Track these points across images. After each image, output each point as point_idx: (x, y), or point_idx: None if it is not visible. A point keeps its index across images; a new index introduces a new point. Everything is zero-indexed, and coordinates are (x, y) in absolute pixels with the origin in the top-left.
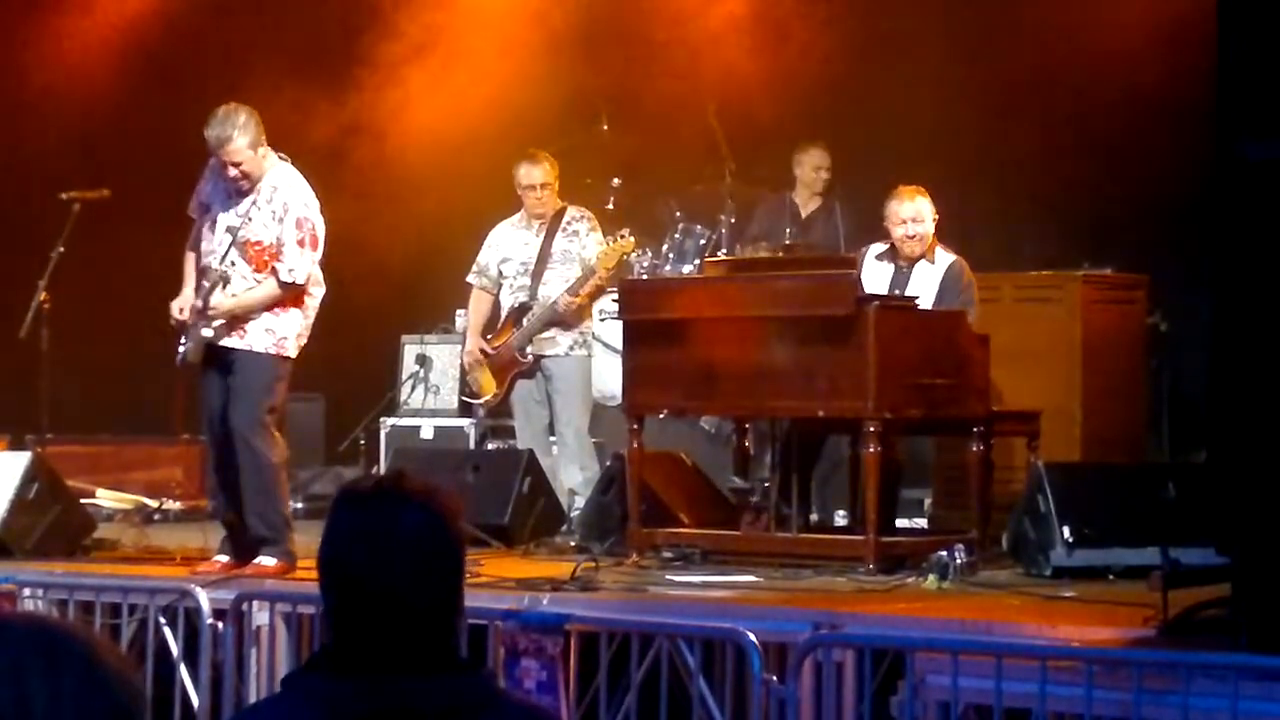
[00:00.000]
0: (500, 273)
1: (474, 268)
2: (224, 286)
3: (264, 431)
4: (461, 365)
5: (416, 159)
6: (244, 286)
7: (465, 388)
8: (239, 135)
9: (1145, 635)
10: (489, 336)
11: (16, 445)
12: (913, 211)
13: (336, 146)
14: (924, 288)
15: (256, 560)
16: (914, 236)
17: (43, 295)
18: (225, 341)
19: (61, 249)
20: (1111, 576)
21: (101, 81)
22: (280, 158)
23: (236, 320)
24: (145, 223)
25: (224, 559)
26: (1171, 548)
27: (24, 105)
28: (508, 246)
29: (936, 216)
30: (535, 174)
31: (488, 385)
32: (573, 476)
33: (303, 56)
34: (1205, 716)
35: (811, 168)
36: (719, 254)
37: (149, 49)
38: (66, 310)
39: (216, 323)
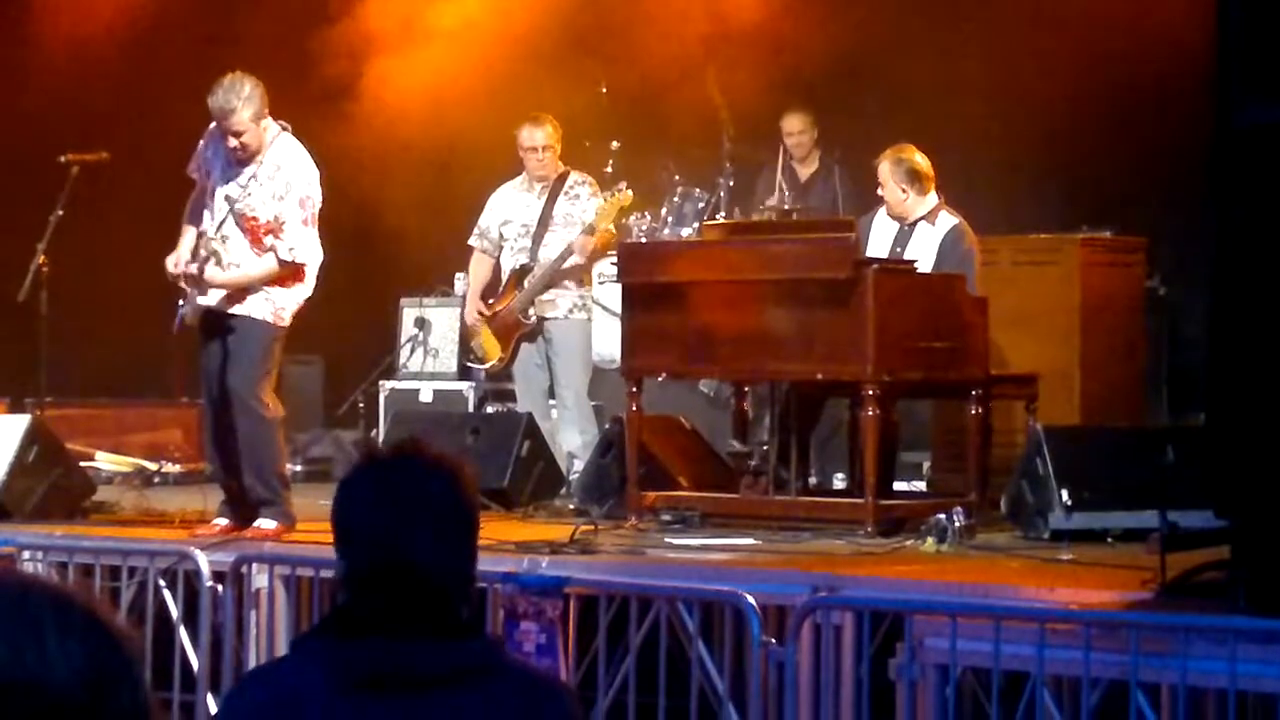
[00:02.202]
0: (501, 235)
1: (475, 230)
2: (217, 262)
3: (260, 394)
4: (462, 330)
5: (416, 122)
6: (238, 259)
7: (470, 353)
8: (243, 107)
9: (1143, 598)
10: (491, 300)
11: (16, 408)
12: (879, 173)
13: (335, 109)
14: (924, 249)
15: (256, 523)
16: (880, 197)
17: (41, 258)
18: (228, 308)
19: (60, 212)
20: (1110, 539)
21: (101, 44)
22: (282, 127)
23: (234, 295)
24: (144, 186)
25: (224, 522)
26: (1170, 511)
27: (23, 67)
28: (509, 209)
29: (905, 189)
30: (537, 136)
31: (492, 350)
32: (572, 440)
33: (300, 20)
34: (1203, 679)
35: (785, 134)
36: (717, 217)
37: (148, 11)
38: (65, 273)
39: (216, 293)
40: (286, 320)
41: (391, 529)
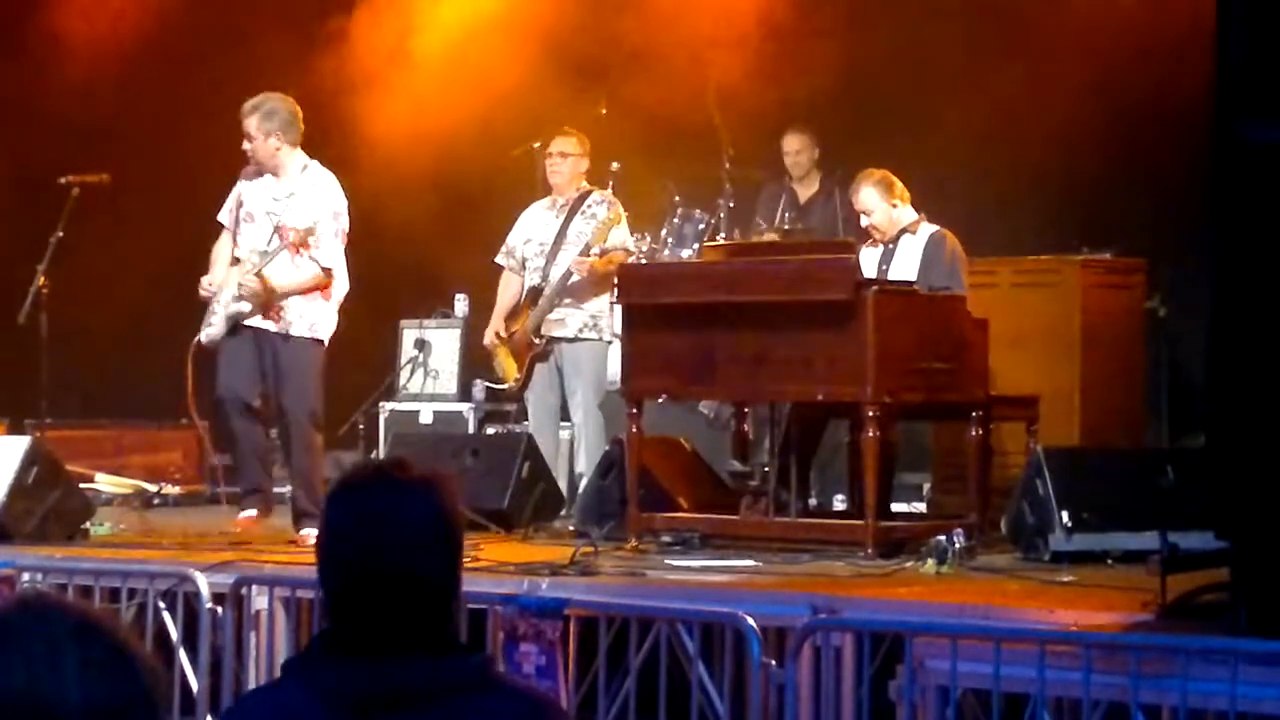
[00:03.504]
0: (524, 254)
1: (502, 249)
2: (266, 261)
3: (314, 412)
4: (463, 350)
5: (417, 145)
6: (281, 271)
7: (490, 373)
8: (260, 116)
9: (1144, 620)
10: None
11: (16, 430)
12: (861, 203)
13: (338, 133)
14: (907, 259)
15: (301, 531)
16: (865, 227)
17: (41, 280)
18: (264, 324)
19: (60, 233)
20: (1110, 561)
21: (102, 65)
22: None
23: (273, 305)
24: (144, 207)
25: (253, 513)
26: (1170, 532)
27: (24, 89)
28: (532, 227)
29: (896, 202)
30: (559, 142)
31: (510, 370)
32: (581, 460)
33: (304, 46)
34: (1204, 700)
35: (784, 153)
36: (718, 239)
37: (150, 32)
38: (65, 295)
39: (251, 299)
40: (323, 335)
41: (367, 549)
